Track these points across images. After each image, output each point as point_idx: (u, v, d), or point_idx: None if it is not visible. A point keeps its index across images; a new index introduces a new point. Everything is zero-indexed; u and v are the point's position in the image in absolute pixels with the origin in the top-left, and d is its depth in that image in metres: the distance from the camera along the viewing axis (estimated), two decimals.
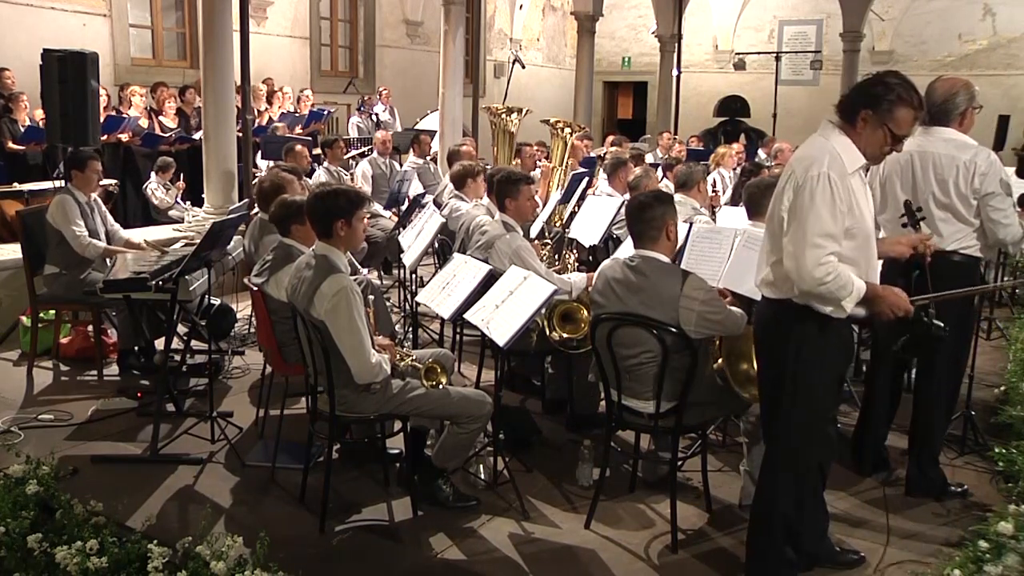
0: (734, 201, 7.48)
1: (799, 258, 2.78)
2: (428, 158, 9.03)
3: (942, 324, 3.03)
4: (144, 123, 9.65)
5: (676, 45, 14.83)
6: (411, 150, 8.97)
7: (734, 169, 9.13)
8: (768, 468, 3.16)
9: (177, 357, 5.14)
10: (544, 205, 6.23)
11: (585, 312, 4.24)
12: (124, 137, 9.30)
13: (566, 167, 7.46)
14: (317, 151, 9.87)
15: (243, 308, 6.28)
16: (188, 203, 8.55)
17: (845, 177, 2.81)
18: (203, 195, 7.84)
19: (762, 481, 3.21)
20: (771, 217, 3.00)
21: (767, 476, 3.17)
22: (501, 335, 3.53)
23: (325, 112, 12.10)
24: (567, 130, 7.39)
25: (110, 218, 5.77)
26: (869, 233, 2.95)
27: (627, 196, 5.96)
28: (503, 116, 7.57)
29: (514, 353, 4.60)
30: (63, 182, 5.61)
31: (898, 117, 2.82)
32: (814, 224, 2.77)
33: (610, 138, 11.28)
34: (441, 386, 3.58)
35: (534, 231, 5.71)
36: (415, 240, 5.57)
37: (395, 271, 7.82)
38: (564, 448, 4.40)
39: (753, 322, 3.32)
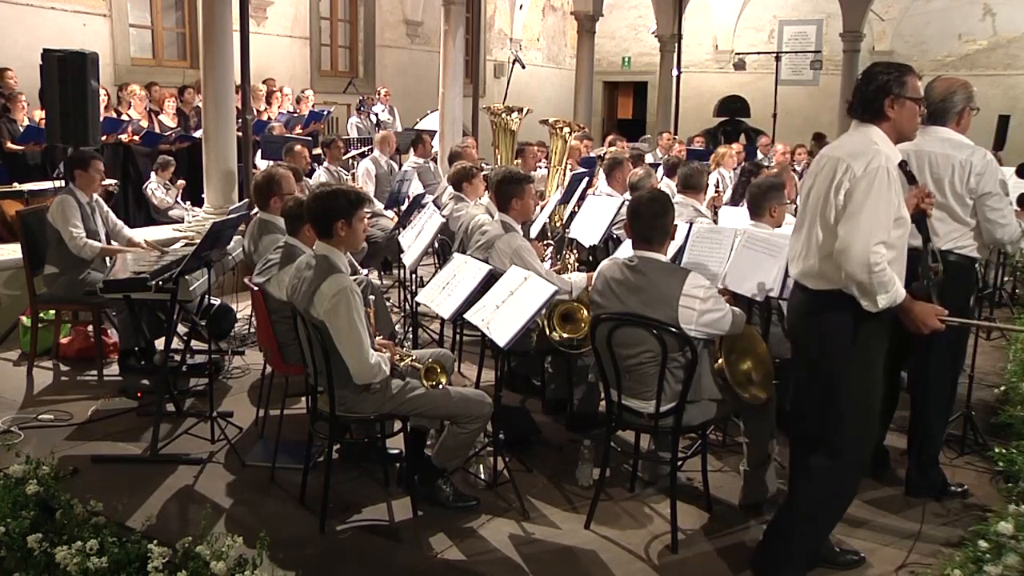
0: (735, 201, 7.48)
1: (852, 242, 2.84)
2: (429, 158, 9.02)
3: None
4: (144, 123, 9.65)
5: (676, 45, 14.82)
6: (412, 150, 8.95)
7: (734, 169, 9.14)
8: (824, 468, 3.08)
9: (177, 357, 5.13)
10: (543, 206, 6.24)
11: (585, 312, 4.23)
12: (124, 137, 9.30)
13: (565, 167, 7.45)
14: (317, 151, 9.86)
15: (243, 308, 6.28)
16: (188, 203, 8.56)
17: (895, 168, 2.92)
18: (203, 195, 7.85)
19: (815, 482, 3.11)
20: (821, 211, 3.00)
21: (823, 476, 3.09)
22: (501, 335, 3.53)
23: (325, 112, 12.10)
24: (566, 130, 7.38)
25: (112, 216, 5.77)
26: (908, 221, 3.04)
27: (627, 196, 5.97)
28: (503, 115, 7.56)
29: (514, 353, 4.60)
30: (63, 182, 5.60)
31: (911, 85, 3.00)
32: (871, 214, 2.85)
33: (609, 138, 11.29)
34: (441, 386, 3.57)
35: (534, 231, 5.71)
36: (415, 240, 5.57)
37: (395, 271, 7.82)
38: (564, 448, 4.40)
39: (791, 317, 3.30)
